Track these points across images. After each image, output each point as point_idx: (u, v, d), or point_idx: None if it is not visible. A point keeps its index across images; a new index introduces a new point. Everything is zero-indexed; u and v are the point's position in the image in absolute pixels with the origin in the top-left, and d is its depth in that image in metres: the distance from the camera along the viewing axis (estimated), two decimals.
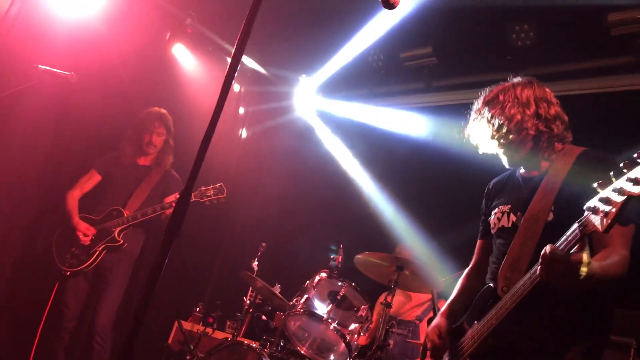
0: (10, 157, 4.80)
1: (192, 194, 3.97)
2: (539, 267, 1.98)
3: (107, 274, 4.66)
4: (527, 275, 2.11)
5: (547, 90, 2.57)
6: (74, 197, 4.83)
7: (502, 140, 2.52)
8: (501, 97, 2.54)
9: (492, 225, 2.61)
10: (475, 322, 2.40)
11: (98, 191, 4.92)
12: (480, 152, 2.70)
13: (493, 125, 2.52)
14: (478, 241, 2.88)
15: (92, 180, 4.94)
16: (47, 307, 4.66)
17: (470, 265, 2.88)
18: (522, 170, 2.63)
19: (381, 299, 4.79)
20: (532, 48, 5.10)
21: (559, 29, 5.03)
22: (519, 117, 2.46)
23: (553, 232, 2.19)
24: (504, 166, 2.70)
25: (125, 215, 4.74)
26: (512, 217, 2.48)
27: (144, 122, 5.00)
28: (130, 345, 1.62)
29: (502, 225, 2.53)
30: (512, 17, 5.11)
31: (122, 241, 4.70)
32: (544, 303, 2.18)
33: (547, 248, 1.94)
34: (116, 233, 4.69)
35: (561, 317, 2.21)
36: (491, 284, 2.40)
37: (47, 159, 5.14)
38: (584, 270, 1.87)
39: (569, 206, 2.22)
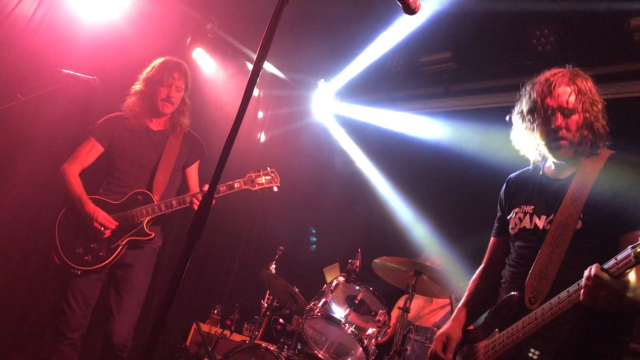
0: (33, 160, 4.86)
1: (241, 180, 3.87)
2: (582, 291, 1.90)
3: (130, 273, 3.81)
4: (565, 295, 2.01)
5: None
6: (75, 174, 3.85)
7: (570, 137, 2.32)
8: (583, 86, 2.34)
9: (512, 225, 2.51)
10: (496, 330, 2.32)
11: (104, 165, 4.03)
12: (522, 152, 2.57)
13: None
14: (492, 239, 2.76)
15: (93, 151, 3.96)
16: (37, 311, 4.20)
17: (482, 265, 2.77)
18: (546, 170, 2.52)
19: (400, 302, 4.78)
20: (553, 53, 5.06)
21: (580, 33, 4.99)
22: (595, 112, 2.32)
23: (582, 240, 2.17)
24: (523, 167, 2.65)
25: (156, 201, 3.85)
26: (535, 219, 2.38)
27: (159, 73, 4.01)
28: (150, 353, 1.61)
29: (524, 227, 2.42)
30: (533, 22, 5.08)
31: (152, 234, 3.82)
32: (576, 320, 2.09)
33: (593, 270, 1.86)
34: (145, 224, 3.81)
35: (588, 331, 2.12)
36: (515, 293, 2.30)
37: (61, 163, 5.02)
38: (630, 296, 1.81)
39: (598, 214, 2.17)
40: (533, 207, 2.43)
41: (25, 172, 4.82)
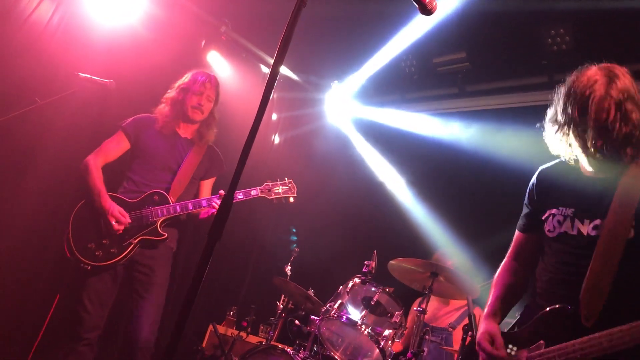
0: (51, 163, 4.91)
1: (258, 188, 3.93)
2: None
3: (148, 273, 3.80)
4: (635, 329, 1.87)
5: None
6: (97, 167, 3.88)
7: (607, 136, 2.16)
8: (621, 90, 2.18)
9: (549, 228, 2.35)
10: (541, 342, 2.17)
11: (127, 163, 4.06)
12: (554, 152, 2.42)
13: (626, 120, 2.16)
14: (519, 234, 2.60)
15: (119, 146, 4.02)
16: (51, 311, 4.18)
17: (507, 259, 2.62)
18: (583, 165, 2.37)
19: (415, 305, 4.78)
20: (568, 52, 5.02)
21: (595, 32, 4.93)
22: (634, 120, 2.16)
23: (635, 251, 2.07)
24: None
25: (172, 203, 3.86)
26: (578, 224, 2.25)
27: (192, 81, 4.12)
28: (171, 354, 1.62)
29: (565, 232, 2.28)
30: (548, 21, 5.04)
31: (165, 235, 3.82)
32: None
33: None
34: (159, 224, 3.82)
35: None
36: (569, 306, 2.15)
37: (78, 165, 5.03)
38: None
39: None
40: (574, 210, 2.29)
41: (43, 175, 4.86)
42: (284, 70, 7.02)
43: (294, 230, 6.47)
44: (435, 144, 6.21)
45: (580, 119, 2.22)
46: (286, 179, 4.12)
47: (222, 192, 3.67)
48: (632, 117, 2.16)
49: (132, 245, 3.74)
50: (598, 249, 2.13)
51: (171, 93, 4.18)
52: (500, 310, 2.48)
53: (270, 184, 4.04)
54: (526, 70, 5.48)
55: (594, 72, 2.29)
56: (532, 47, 5.27)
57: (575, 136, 2.26)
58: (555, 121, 2.34)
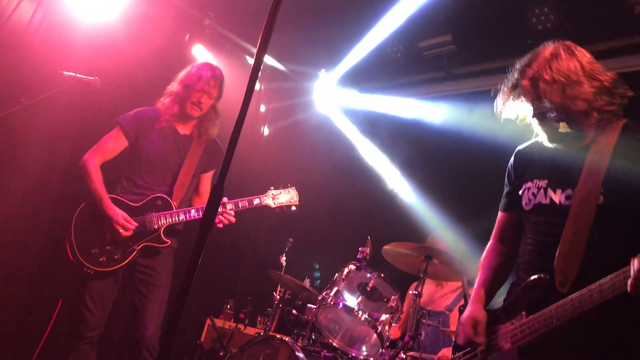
0: (38, 162, 4.89)
1: (261, 196, 3.93)
2: (630, 281, 1.83)
3: (152, 274, 3.79)
4: (608, 282, 1.92)
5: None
6: (96, 167, 3.78)
7: (551, 114, 2.28)
8: (555, 66, 2.27)
9: (525, 201, 2.43)
10: (523, 313, 2.25)
11: (125, 161, 3.98)
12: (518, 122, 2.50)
13: (543, 96, 2.27)
14: (501, 214, 2.67)
15: (118, 144, 3.91)
16: (55, 312, 4.19)
17: (492, 242, 2.69)
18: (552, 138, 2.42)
19: (411, 289, 4.80)
20: (553, 31, 4.99)
21: (580, 10, 4.93)
22: (582, 87, 2.23)
23: (606, 216, 2.12)
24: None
25: (175, 208, 3.82)
26: (551, 194, 2.32)
27: (195, 77, 4.01)
28: (167, 347, 1.62)
29: (540, 202, 2.35)
30: (532, 1, 5.03)
31: (168, 242, 3.79)
32: (614, 307, 1.98)
33: None
34: (162, 231, 3.78)
35: (626, 319, 2.05)
36: (545, 276, 2.22)
37: (68, 166, 4.88)
38: None
39: (620, 187, 2.11)
40: (547, 181, 2.36)
41: (30, 175, 4.84)
42: (270, 60, 6.99)
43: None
44: (424, 128, 6.21)
45: (523, 89, 2.35)
46: (289, 185, 4.11)
47: (225, 199, 3.77)
48: (567, 94, 2.24)
49: (135, 252, 3.71)
50: (570, 217, 2.20)
51: (174, 87, 4.06)
52: (486, 295, 2.54)
53: (273, 191, 4.03)
54: (512, 51, 5.42)
55: (542, 48, 2.40)
56: (517, 27, 5.25)
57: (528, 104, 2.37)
58: (510, 91, 2.45)
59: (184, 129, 4.09)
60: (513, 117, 2.50)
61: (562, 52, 2.32)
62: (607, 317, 2.03)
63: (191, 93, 3.97)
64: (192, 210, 3.82)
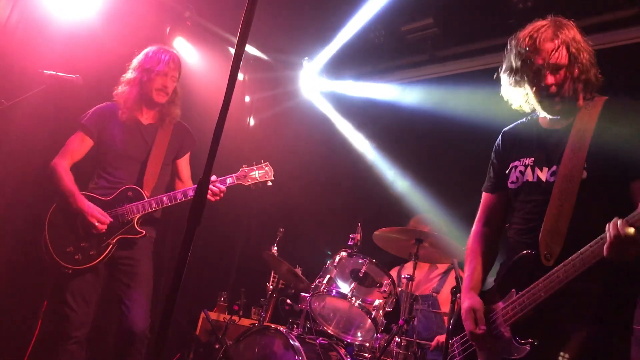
0: (21, 163, 4.84)
1: (234, 175, 3.85)
2: (606, 246, 1.88)
3: (132, 264, 3.76)
4: (588, 250, 1.98)
5: None
6: (66, 169, 3.78)
7: (552, 88, 2.30)
8: (568, 37, 2.31)
9: (512, 180, 2.47)
10: (513, 290, 2.29)
11: (94, 158, 3.96)
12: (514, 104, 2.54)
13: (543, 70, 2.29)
14: (486, 195, 2.70)
15: (83, 145, 3.90)
16: (41, 314, 4.17)
17: (478, 224, 2.70)
18: (541, 121, 2.49)
19: (394, 272, 4.81)
20: (534, 10, 5.00)
21: None
22: (584, 61, 2.29)
23: (589, 191, 2.16)
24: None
25: (146, 198, 3.78)
26: (537, 172, 2.35)
27: (154, 61, 3.91)
28: (161, 342, 1.62)
29: (527, 180, 2.39)
30: None
31: (143, 232, 3.75)
32: (598, 275, 2.06)
33: (619, 224, 1.84)
34: (136, 222, 3.74)
35: (610, 286, 2.11)
36: (530, 251, 2.28)
37: (43, 164, 4.62)
38: None
39: (603, 162, 2.15)
40: (533, 159, 2.40)
41: (13, 175, 4.79)
42: (253, 50, 6.95)
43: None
44: (410, 111, 6.20)
45: (532, 61, 2.32)
46: (262, 161, 4.02)
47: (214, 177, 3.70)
48: (580, 57, 2.29)
49: (111, 246, 3.68)
50: (554, 193, 2.25)
51: (132, 74, 3.97)
52: (478, 281, 2.56)
53: (246, 169, 3.94)
54: (494, 31, 5.47)
55: (541, 22, 2.40)
56: (498, 7, 5.25)
57: (530, 81, 2.37)
58: (510, 70, 2.43)
59: (147, 118, 4.04)
60: (510, 97, 2.53)
61: (566, 23, 2.38)
62: (592, 288, 2.10)
63: (154, 78, 3.88)
64: (165, 198, 3.77)
